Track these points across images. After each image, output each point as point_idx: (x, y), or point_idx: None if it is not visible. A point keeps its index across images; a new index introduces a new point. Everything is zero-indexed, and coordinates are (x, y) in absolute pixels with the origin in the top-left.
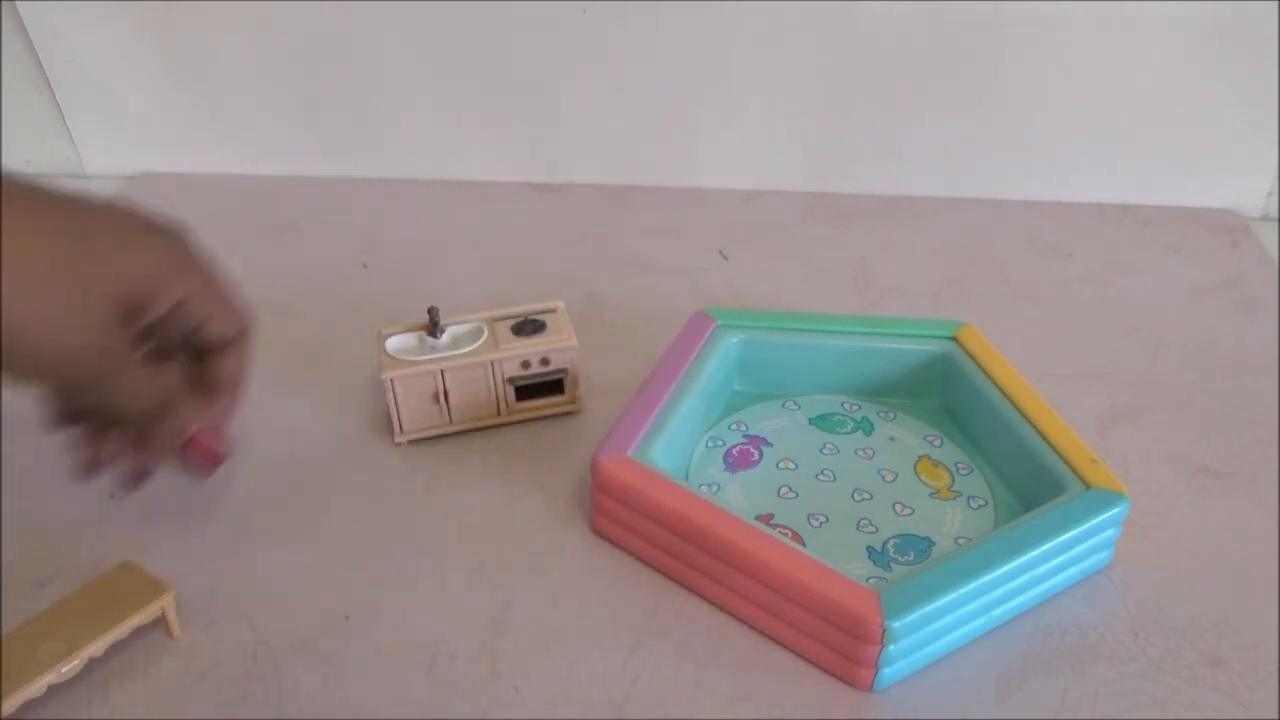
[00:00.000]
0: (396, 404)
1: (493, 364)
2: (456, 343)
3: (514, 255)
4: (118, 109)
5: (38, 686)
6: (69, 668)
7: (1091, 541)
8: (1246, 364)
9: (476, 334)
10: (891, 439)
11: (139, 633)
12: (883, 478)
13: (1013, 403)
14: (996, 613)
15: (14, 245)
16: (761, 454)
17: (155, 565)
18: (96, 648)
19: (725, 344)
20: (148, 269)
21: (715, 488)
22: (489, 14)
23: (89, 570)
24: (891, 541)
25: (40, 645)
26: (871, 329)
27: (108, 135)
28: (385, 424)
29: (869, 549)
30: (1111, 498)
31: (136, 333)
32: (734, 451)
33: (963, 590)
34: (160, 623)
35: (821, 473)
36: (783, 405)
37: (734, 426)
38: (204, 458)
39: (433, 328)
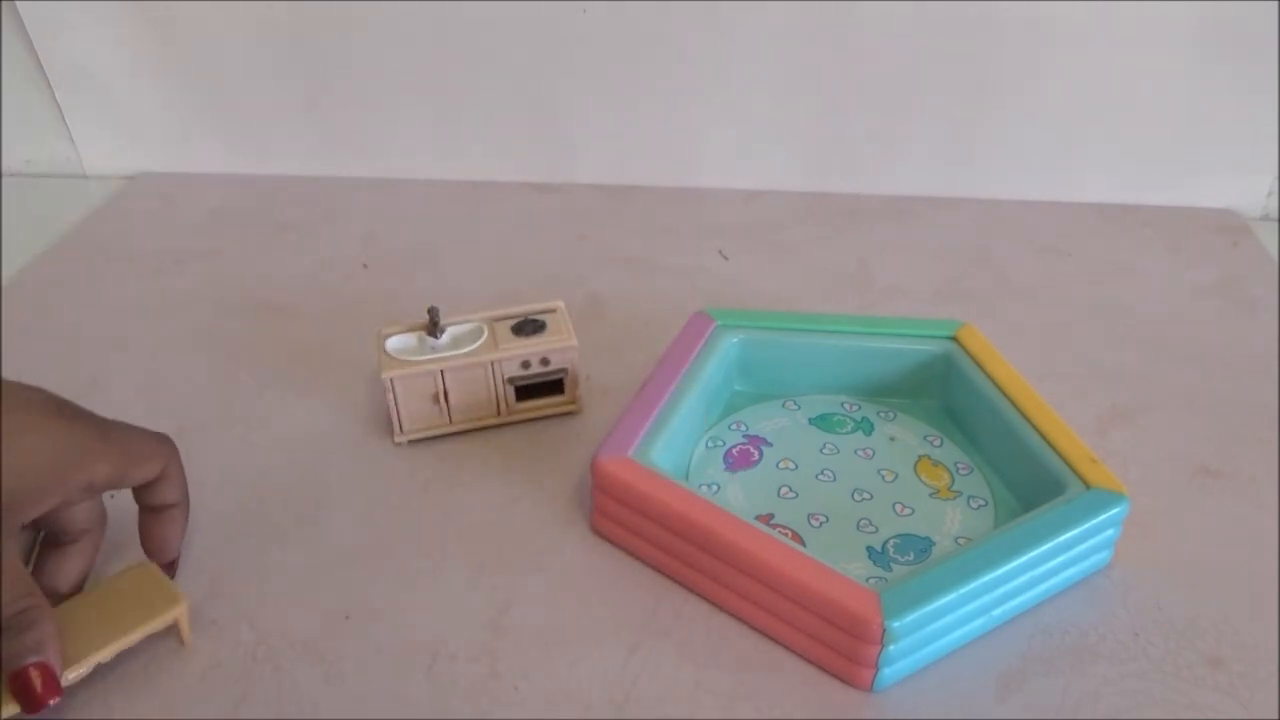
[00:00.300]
0: (396, 404)
1: (493, 364)
2: (456, 343)
3: (514, 255)
4: (118, 109)
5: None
6: (76, 674)
7: (1091, 541)
8: (1246, 364)
9: (476, 334)
10: (891, 439)
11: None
12: (883, 478)
13: (1013, 403)
14: (996, 613)
15: None
16: (761, 454)
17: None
18: (105, 654)
19: (725, 344)
20: (48, 465)
21: (715, 488)
22: (489, 14)
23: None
24: (891, 541)
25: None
26: (871, 329)
27: (108, 135)
28: (385, 424)
29: (869, 549)
30: (1111, 498)
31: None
32: (734, 451)
33: (963, 590)
34: (171, 630)
35: (821, 473)
36: (783, 405)
37: (734, 426)
38: (23, 691)
39: (433, 328)
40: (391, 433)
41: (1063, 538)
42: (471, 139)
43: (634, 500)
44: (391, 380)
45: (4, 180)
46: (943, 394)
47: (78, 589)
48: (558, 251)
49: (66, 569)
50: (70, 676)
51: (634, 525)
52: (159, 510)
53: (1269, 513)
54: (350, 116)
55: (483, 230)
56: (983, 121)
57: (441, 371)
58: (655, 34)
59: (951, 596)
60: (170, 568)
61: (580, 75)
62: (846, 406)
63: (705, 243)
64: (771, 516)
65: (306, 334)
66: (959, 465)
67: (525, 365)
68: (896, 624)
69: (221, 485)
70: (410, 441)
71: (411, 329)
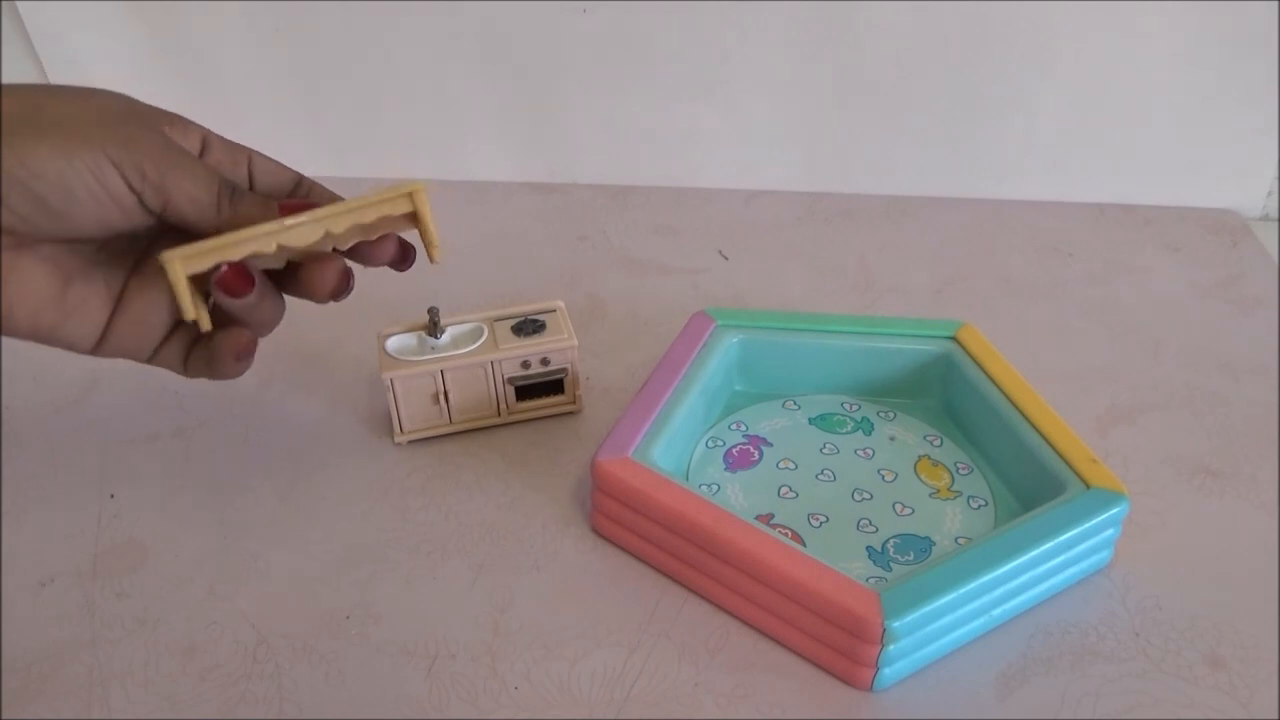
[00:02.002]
0: (396, 404)
1: (493, 364)
2: (456, 343)
3: (514, 255)
4: None
5: (269, 239)
6: (306, 235)
7: (1091, 541)
8: (1246, 364)
9: (476, 334)
10: (891, 439)
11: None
12: (883, 478)
13: (1013, 403)
14: (996, 613)
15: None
16: (761, 454)
17: (155, 565)
18: (336, 218)
19: (725, 344)
20: (154, 109)
21: (715, 488)
22: (489, 14)
23: (89, 570)
24: (891, 541)
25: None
26: (871, 329)
27: None
28: (385, 424)
29: (869, 549)
30: (1111, 498)
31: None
32: (734, 451)
33: (963, 590)
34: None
35: (821, 473)
36: (783, 405)
37: (734, 426)
38: (235, 283)
39: (433, 328)
40: (391, 433)
41: (1063, 538)
42: (471, 139)
43: (634, 500)
44: (391, 380)
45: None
46: (943, 394)
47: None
48: (558, 251)
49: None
50: (287, 224)
51: (634, 525)
52: (297, 186)
53: (1269, 513)
54: (350, 116)
55: (483, 230)
56: (983, 121)
57: (441, 371)
58: (655, 34)
59: (951, 596)
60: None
61: (580, 75)
62: (846, 406)
63: (705, 243)
64: (771, 516)
65: (306, 334)
66: (959, 465)
67: (525, 365)
68: (896, 624)
69: (221, 486)
70: (410, 441)
71: (411, 329)
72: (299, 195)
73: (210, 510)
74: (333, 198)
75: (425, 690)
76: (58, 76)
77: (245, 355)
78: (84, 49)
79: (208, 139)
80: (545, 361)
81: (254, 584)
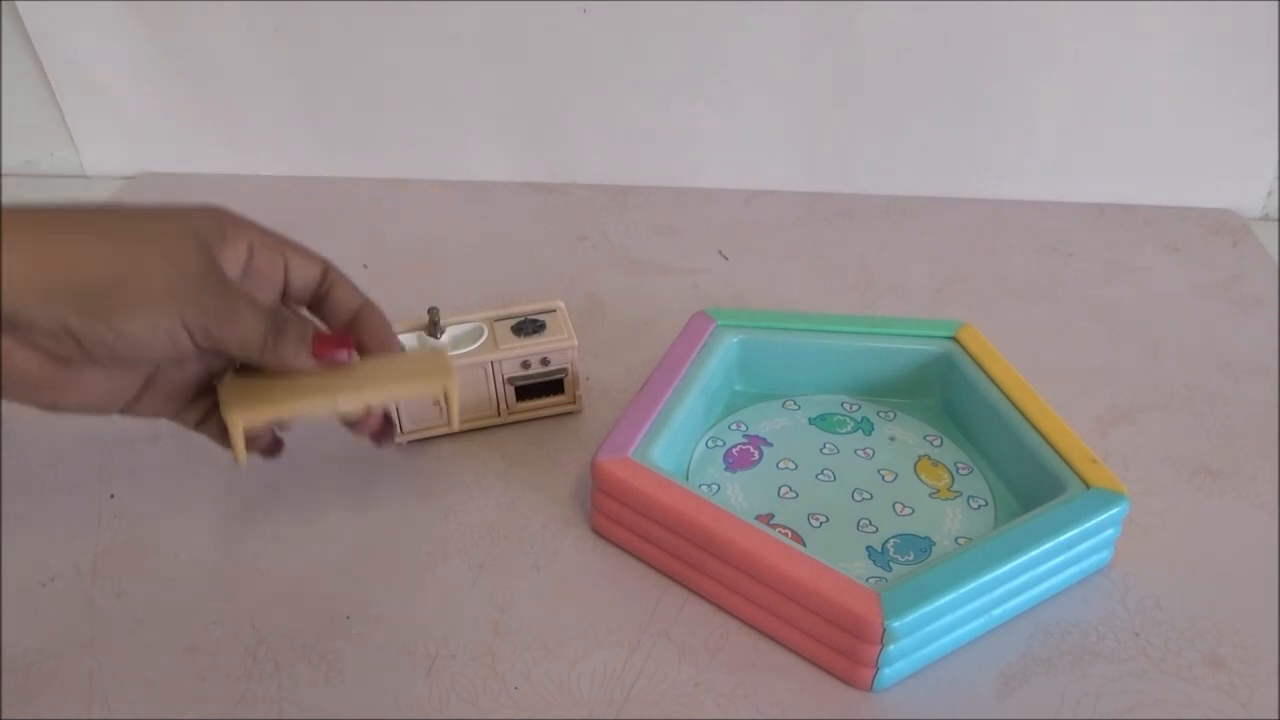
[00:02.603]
0: (397, 404)
1: (493, 364)
2: (456, 343)
3: (514, 255)
4: (118, 109)
5: (318, 406)
6: (349, 403)
7: (1091, 541)
8: (1246, 364)
9: (476, 334)
10: (891, 439)
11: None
12: (883, 478)
13: (1013, 403)
14: (996, 613)
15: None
16: (761, 454)
17: (154, 565)
18: (380, 396)
19: (725, 344)
20: (208, 221)
21: (715, 488)
22: (489, 14)
23: (89, 571)
24: (891, 541)
25: (333, 378)
26: (871, 329)
27: (108, 135)
28: None
29: (869, 549)
30: (1111, 497)
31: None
32: (734, 451)
33: (963, 590)
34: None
35: (821, 473)
36: (783, 405)
37: (734, 426)
38: (332, 359)
39: (433, 328)
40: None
41: (1063, 537)
42: (471, 139)
43: (634, 500)
44: None
45: (4, 180)
46: (943, 394)
47: (360, 303)
48: (558, 251)
49: (341, 297)
50: (339, 400)
51: (634, 525)
52: (355, 317)
53: (1269, 513)
54: (350, 116)
55: (483, 230)
56: (982, 121)
57: None
58: (655, 34)
59: (951, 596)
60: (344, 344)
61: (580, 75)
62: (846, 406)
63: (705, 243)
64: (771, 516)
65: None
66: (959, 465)
67: (525, 365)
68: (896, 624)
69: (221, 486)
70: (410, 441)
71: (411, 329)
72: (325, 287)
73: (210, 510)
74: (355, 293)
75: (425, 690)
76: (58, 76)
77: (272, 453)
78: (84, 49)
79: (253, 246)
80: (545, 361)
81: (254, 584)
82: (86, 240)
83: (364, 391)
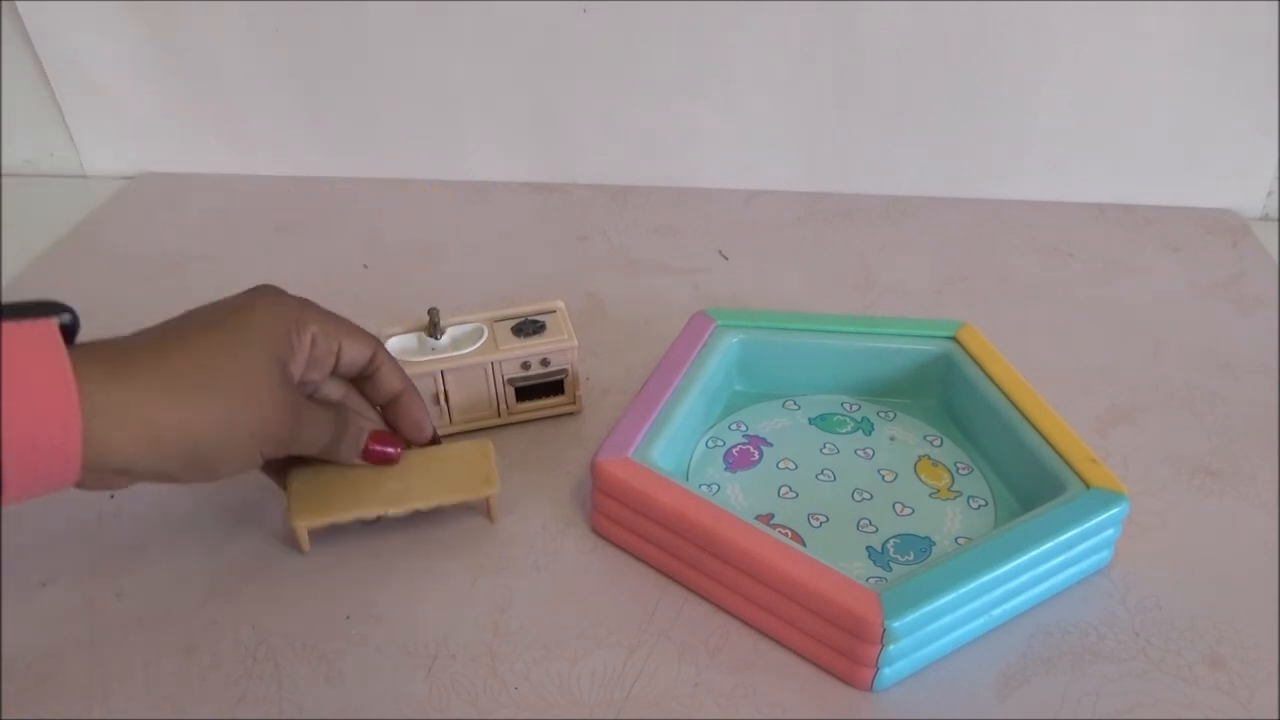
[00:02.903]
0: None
1: (493, 364)
2: (456, 343)
3: (514, 255)
4: (118, 109)
5: (368, 513)
6: (398, 510)
7: (1091, 541)
8: (1246, 364)
9: (476, 334)
10: (891, 439)
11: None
12: (883, 478)
13: (1013, 403)
14: (996, 613)
15: (187, 403)
16: (761, 454)
17: (154, 564)
18: (426, 503)
19: (725, 344)
20: (281, 338)
21: (715, 488)
22: (489, 14)
23: (89, 570)
24: (891, 541)
25: (384, 483)
26: (871, 329)
27: (108, 135)
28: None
29: (869, 549)
30: (1111, 497)
31: (298, 381)
32: (734, 451)
33: (963, 590)
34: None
35: (821, 473)
36: (783, 405)
37: (734, 426)
38: (380, 459)
39: (433, 328)
40: None
41: (1063, 537)
42: (472, 139)
43: (634, 500)
44: None
45: (4, 180)
46: (943, 394)
47: (404, 388)
48: (558, 251)
49: (386, 379)
50: (391, 511)
51: (634, 525)
52: (393, 402)
53: (1269, 513)
54: (350, 116)
55: (483, 230)
56: (983, 121)
57: (441, 372)
58: (655, 34)
59: (951, 596)
60: (433, 442)
61: (580, 75)
62: (846, 406)
63: (705, 243)
64: (771, 516)
65: None
66: (959, 465)
67: (525, 366)
68: (896, 624)
69: (221, 485)
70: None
71: (411, 329)
72: (372, 367)
73: (210, 509)
74: (399, 376)
75: (425, 690)
76: (58, 76)
77: None
78: (84, 49)
79: (315, 335)
80: (545, 362)
81: (254, 584)
82: (184, 401)
83: (413, 502)
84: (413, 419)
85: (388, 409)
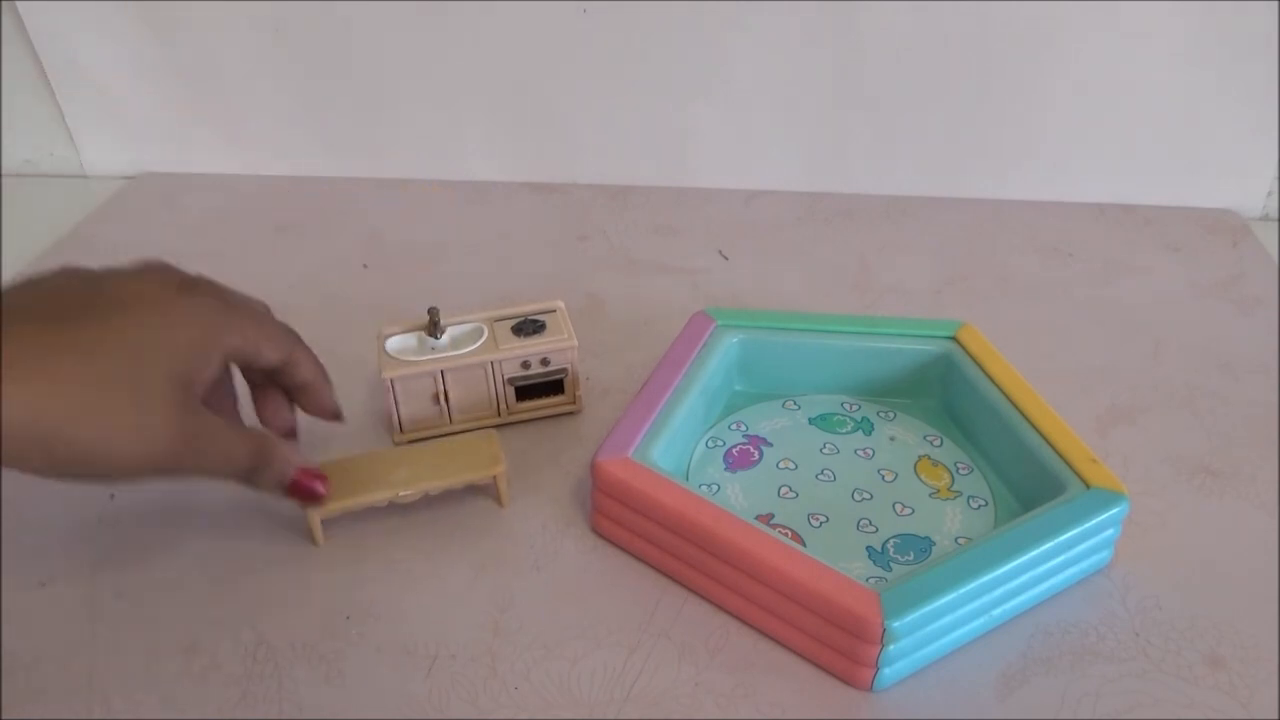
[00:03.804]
0: (396, 404)
1: (493, 364)
2: (456, 343)
3: (514, 255)
4: (118, 109)
5: (380, 497)
6: (407, 493)
7: (1091, 541)
8: (1246, 364)
9: (476, 334)
10: (891, 439)
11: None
12: (883, 478)
13: (1013, 403)
14: (996, 613)
15: (61, 389)
16: (761, 454)
17: (153, 564)
18: (435, 486)
19: (725, 344)
20: (186, 336)
21: (715, 488)
22: (489, 14)
23: (88, 570)
24: (891, 541)
25: (394, 470)
26: (871, 329)
27: (108, 135)
28: (385, 424)
29: (869, 549)
30: (1111, 497)
31: (201, 396)
32: (734, 451)
33: (963, 590)
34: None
35: (821, 473)
36: (783, 405)
37: (734, 426)
38: (305, 496)
39: (433, 328)
40: (391, 433)
41: (1063, 537)
42: (471, 139)
43: (634, 500)
44: (391, 381)
45: (4, 180)
46: (943, 394)
47: (317, 378)
48: (558, 251)
49: (302, 372)
50: (402, 494)
51: (634, 525)
52: (301, 388)
53: (1269, 513)
54: (350, 116)
55: (483, 230)
56: (982, 121)
57: (441, 372)
58: (655, 34)
59: (951, 596)
60: (337, 417)
61: (580, 75)
62: (846, 406)
63: (705, 243)
64: (771, 516)
65: (306, 334)
66: (959, 465)
67: (525, 365)
68: (896, 624)
69: (221, 486)
70: (410, 441)
71: (411, 329)
72: (287, 366)
73: (210, 510)
74: (313, 370)
75: (425, 690)
76: (58, 76)
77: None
78: (84, 49)
79: (232, 350)
80: (545, 362)
81: (254, 584)
82: (67, 391)
83: (423, 484)
84: (320, 406)
85: (295, 394)
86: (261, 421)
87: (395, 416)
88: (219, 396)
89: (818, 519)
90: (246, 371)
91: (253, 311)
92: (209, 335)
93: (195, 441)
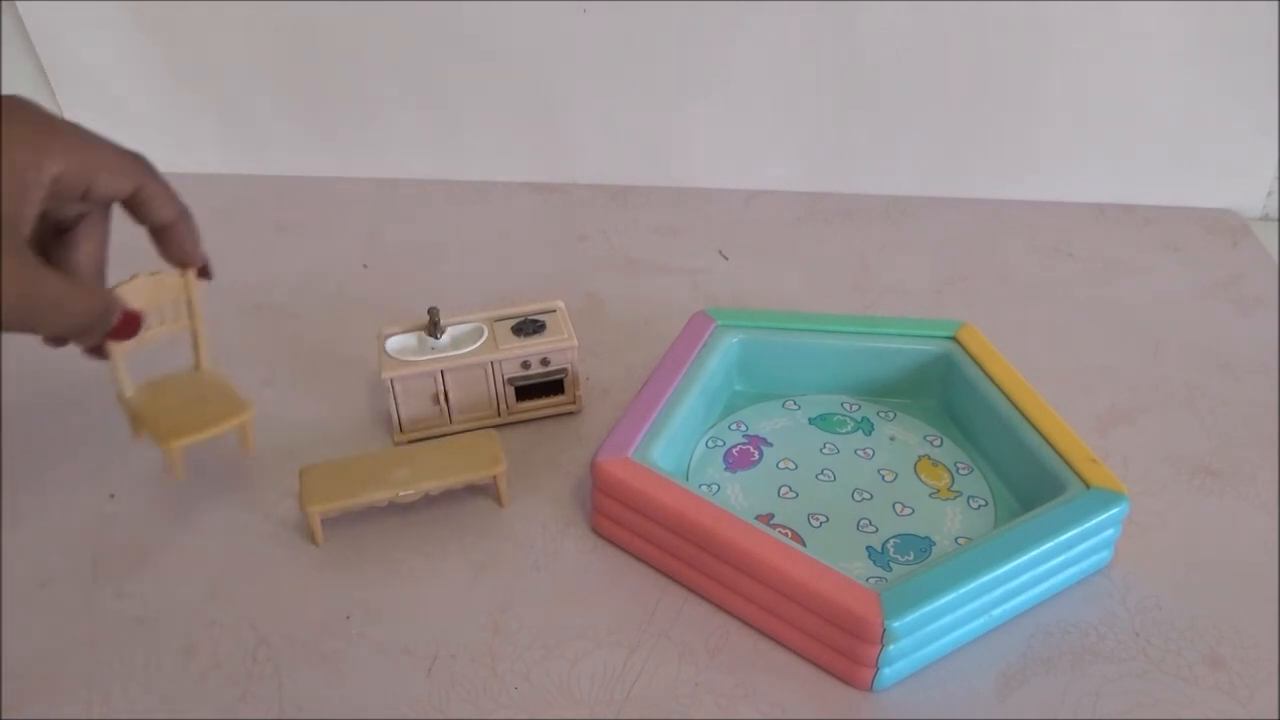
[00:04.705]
0: (396, 404)
1: (493, 364)
2: (456, 343)
3: (514, 255)
4: (118, 109)
5: (380, 497)
6: (408, 493)
7: (1091, 541)
8: (1246, 364)
9: (476, 334)
10: (891, 439)
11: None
12: (883, 478)
13: (1013, 403)
14: (996, 613)
15: None
16: (761, 454)
17: (154, 565)
18: (435, 486)
19: (725, 344)
20: (13, 174)
21: (715, 488)
22: (489, 14)
23: (89, 570)
24: (891, 541)
25: (394, 470)
26: (871, 329)
27: (108, 135)
28: (385, 424)
29: (869, 549)
30: (1111, 498)
31: (30, 235)
32: (734, 451)
33: (963, 590)
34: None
35: (821, 473)
36: (783, 405)
37: (734, 426)
38: (127, 330)
39: (433, 328)
40: (391, 433)
41: (1063, 537)
42: (471, 139)
43: (634, 500)
44: (392, 381)
45: None
46: (943, 394)
47: (97, 273)
48: (558, 251)
49: (76, 257)
50: (401, 494)
51: (634, 525)
52: (162, 230)
53: (1269, 513)
54: (350, 117)
55: (483, 230)
56: (983, 121)
57: (441, 372)
58: (655, 34)
59: (951, 596)
60: (203, 272)
61: (580, 75)
62: (846, 406)
63: (705, 243)
64: (771, 516)
65: (306, 334)
66: (959, 465)
67: (525, 365)
68: (896, 624)
69: (222, 484)
70: (410, 441)
71: (411, 329)
72: (136, 200)
73: (210, 510)
74: (170, 208)
75: (425, 690)
76: (58, 76)
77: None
78: (84, 49)
79: (59, 177)
80: (545, 362)
81: (254, 584)
82: None
83: (423, 484)
84: (181, 251)
85: (155, 236)
86: (73, 259)
87: (395, 416)
88: (75, 238)
89: (818, 519)
90: (79, 204)
91: (83, 134)
92: (29, 165)
93: (34, 296)
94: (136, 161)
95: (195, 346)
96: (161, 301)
